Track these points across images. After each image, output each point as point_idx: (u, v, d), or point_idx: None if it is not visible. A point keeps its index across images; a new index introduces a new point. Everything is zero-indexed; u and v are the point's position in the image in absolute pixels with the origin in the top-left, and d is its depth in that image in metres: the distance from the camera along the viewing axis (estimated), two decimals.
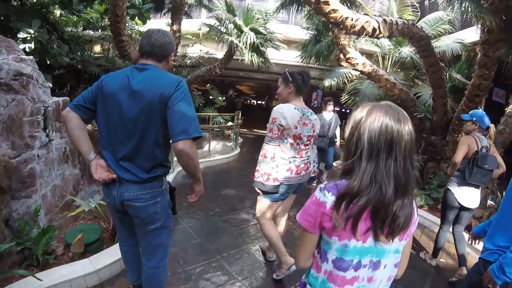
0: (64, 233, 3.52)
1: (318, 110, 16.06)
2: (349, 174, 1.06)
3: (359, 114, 1.08)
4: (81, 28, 8.54)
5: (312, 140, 2.92)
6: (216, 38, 9.63)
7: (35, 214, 3.12)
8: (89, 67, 7.91)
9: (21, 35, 5.43)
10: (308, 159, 2.93)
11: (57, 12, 7.85)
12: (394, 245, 1.09)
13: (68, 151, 3.80)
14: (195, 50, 11.79)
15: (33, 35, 5.48)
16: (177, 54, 9.51)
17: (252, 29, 9.68)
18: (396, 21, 5.27)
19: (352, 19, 4.94)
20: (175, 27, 8.75)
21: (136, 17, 7.31)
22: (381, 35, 5.16)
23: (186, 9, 9.57)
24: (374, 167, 1.00)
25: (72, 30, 8.17)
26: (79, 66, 7.71)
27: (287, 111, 2.70)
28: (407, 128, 1.03)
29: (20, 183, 3.13)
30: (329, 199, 1.05)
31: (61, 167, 3.69)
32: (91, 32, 8.89)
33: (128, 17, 8.76)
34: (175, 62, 9.49)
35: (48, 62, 6.24)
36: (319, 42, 10.03)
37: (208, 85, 13.23)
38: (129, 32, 9.15)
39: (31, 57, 3.55)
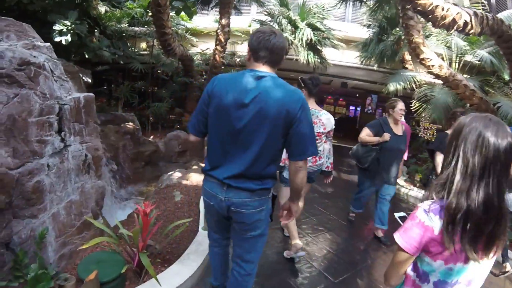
0: (80, 259, 2.85)
1: (370, 117, 14.68)
2: (444, 188, 1.08)
3: (461, 122, 1.09)
4: (126, 24, 8.20)
5: (322, 136, 3.23)
6: None
7: (40, 239, 2.44)
8: (131, 63, 7.50)
9: (57, 27, 5.04)
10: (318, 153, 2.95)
11: (102, 8, 7.58)
12: (487, 261, 1.10)
13: (90, 159, 3.12)
14: (244, 49, 11.01)
15: (69, 27, 5.07)
16: (226, 51, 8.75)
17: (308, 25, 8.66)
18: (486, 15, 4.46)
19: (442, 9, 4.20)
20: (223, 21, 8.02)
21: (182, 12, 6.70)
22: (472, 30, 4.42)
23: (235, 3, 8.86)
24: (469, 184, 1.01)
25: (116, 25, 7.82)
26: (121, 62, 7.33)
27: None
28: (505, 144, 0.99)
29: (24, 199, 2.48)
30: (437, 223, 1.06)
31: (80, 179, 3.01)
32: (136, 28, 8.51)
33: (173, 12, 8.30)
34: (224, 60, 8.77)
35: (86, 56, 5.86)
36: (382, 41, 8.89)
37: None
38: (175, 28, 8.68)
39: (48, 44, 2.93)
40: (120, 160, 6.48)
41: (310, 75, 3.21)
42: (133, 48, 8.66)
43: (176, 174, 5.56)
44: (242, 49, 10.71)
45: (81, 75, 6.01)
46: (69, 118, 2.87)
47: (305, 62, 8.56)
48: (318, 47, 8.90)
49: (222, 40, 8.06)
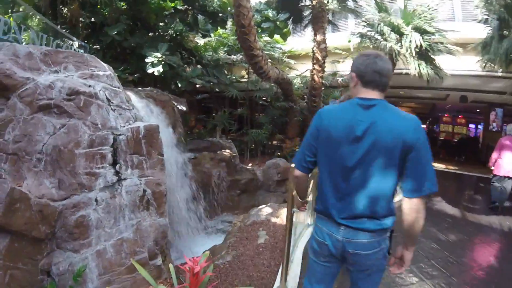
0: None
1: (496, 135, 11.44)
2: None
3: None
4: (223, 53, 8.51)
5: None
6: (371, 47, 7.69)
7: (77, 276, 2.26)
8: (226, 90, 7.60)
9: (149, 59, 5.37)
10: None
11: (201, 41, 8.07)
12: None
13: (149, 195, 2.85)
14: (346, 67, 10.08)
15: (160, 59, 5.36)
16: (325, 71, 8.02)
17: (415, 28, 7.31)
18: None
19: None
20: (318, 37, 7.43)
21: (276, 35, 6.45)
22: None
23: (329, 17, 8.15)
24: None
25: (213, 54, 8.17)
26: (216, 89, 7.51)
27: None
28: None
29: (67, 232, 2.34)
30: None
31: (136, 216, 2.75)
32: (232, 56, 8.74)
33: (265, 34, 8.17)
34: (324, 80, 8.08)
35: (179, 85, 6.12)
36: (505, 38, 6.86)
37: None
38: (270, 52, 8.52)
39: (109, 72, 2.87)
40: (214, 188, 6.36)
41: None
42: (230, 76, 8.86)
43: (266, 210, 5.01)
44: (344, 67, 9.77)
45: (175, 104, 6.28)
46: (126, 150, 2.68)
47: (416, 74, 7.09)
48: (430, 54, 7.39)
49: (320, 58, 7.41)
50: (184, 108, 6.74)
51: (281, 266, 2.88)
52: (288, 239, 2.52)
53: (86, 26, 5.68)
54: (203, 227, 5.18)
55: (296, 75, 9.88)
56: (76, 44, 4.76)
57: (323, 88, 8.10)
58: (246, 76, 9.40)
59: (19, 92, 2.35)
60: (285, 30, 6.92)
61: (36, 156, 2.34)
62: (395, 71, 7.86)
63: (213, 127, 8.30)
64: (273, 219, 4.50)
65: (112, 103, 2.74)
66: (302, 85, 9.40)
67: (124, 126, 2.74)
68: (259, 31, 7.51)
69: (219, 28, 7.41)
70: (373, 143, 1.53)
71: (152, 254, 2.84)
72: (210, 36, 7.59)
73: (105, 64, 3.09)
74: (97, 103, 2.56)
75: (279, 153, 8.41)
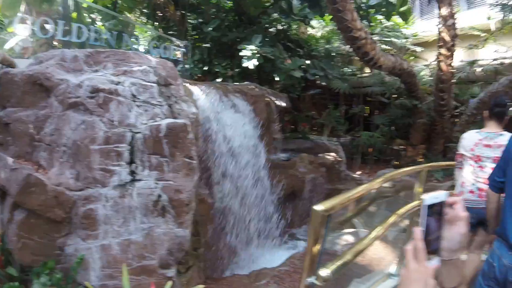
0: None
1: None
2: None
3: None
4: (339, 44, 7.59)
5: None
6: None
7: (77, 265, 2.40)
8: (332, 83, 6.77)
9: (243, 52, 5.26)
10: None
11: (319, 32, 7.42)
12: None
13: (165, 201, 2.67)
14: (487, 53, 7.49)
15: (254, 51, 5.14)
16: (453, 59, 6.00)
17: None
18: None
19: None
20: (444, 11, 5.68)
21: (391, 14, 5.20)
22: None
23: None
24: None
25: (325, 46, 7.38)
26: (323, 83, 6.78)
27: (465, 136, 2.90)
28: None
29: (78, 221, 2.49)
30: None
31: (149, 220, 2.63)
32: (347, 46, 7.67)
33: (381, 16, 6.71)
34: (455, 69, 6.14)
35: (278, 79, 5.74)
36: None
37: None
38: (392, 39, 7.04)
39: (144, 67, 2.82)
40: (304, 196, 5.69)
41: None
42: (343, 68, 7.85)
43: (347, 238, 4.23)
44: (484, 54, 7.15)
45: (272, 99, 5.92)
46: (143, 149, 2.60)
47: None
48: None
49: (447, 39, 5.59)
50: (284, 104, 6.36)
51: None
52: None
53: (196, 27, 6.08)
54: (273, 240, 4.70)
55: (424, 66, 7.90)
56: (177, 43, 5.14)
57: (453, 81, 6.16)
58: (368, 70, 8.18)
59: (54, 91, 2.58)
60: (403, 7, 5.41)
61: (62, 149, 2.53)
62: None
63: (321, 126, 7.64)
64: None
65: (138, 99, 2.69)
66: (432, 78, 7.45)
67: (146, 124, 2.64)
68: (363, 8, 6.24)
69: (324, 14, 6.60)
70: None
71: (164, 263, 2.69)
72: (308, 23, 6.87)
73: (152, 58, 3.10)
74: (118, 99, 2.56)
75: (396, 162, 7.00)
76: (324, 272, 1.22)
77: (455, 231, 0.76)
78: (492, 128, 2.83)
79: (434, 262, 0.68)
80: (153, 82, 2.85)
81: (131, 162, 2.59)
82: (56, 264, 2.44)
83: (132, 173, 2.58)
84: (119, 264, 2.50)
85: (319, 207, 1.20)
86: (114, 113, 2.53)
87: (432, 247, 0.70)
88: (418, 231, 0.66)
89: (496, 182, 1.77)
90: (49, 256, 2.45)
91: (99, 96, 2.50)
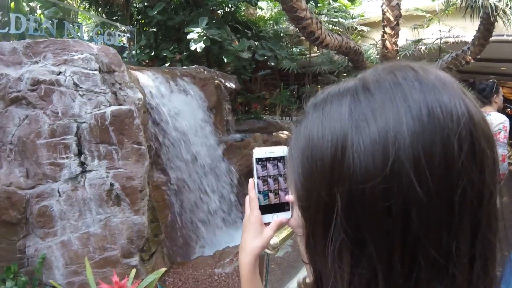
0: None
1: None
2: None
3: None
4: (288, 25, 7.74)
5: None
6: (461, 6, 5.83)
7: (40, 265, 2.40)
8: (281, 63, 6.96)
9: (190, 35, 5.21)
10: None
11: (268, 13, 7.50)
12: None
13: (118, 190, 2.69)
14: (431, 33, 8.01)
15: (201, 34, 5.11)
16: (398, 38, 6.45)
17: None
18: None
19: None
20: None
21: None
22: None
23: None
24: None
25: (273, 27, 7.49)
26: (272, 64, 6.93)
27: None
28: None
29: (34, 220, 2.45)
30: None
31: (105, 211, 2.65)
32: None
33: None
34: (400, 48, 6.61)
35: (226, 61, 5.77)
36: None
37: None
38: (339, 20, 7.36)
39: (85, 55, 2.73)
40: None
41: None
42: (291, 49, 8.06)
43: None
44: (428, 33, 7.77)
45: (222, 81, 5.95)
46: (90, 139, 2.57)
47: None
48: None
49: (391, 18, 5.97)
50: (234, 86, 6.40)
51: None
52: None
53: (141, 11, 5.83)
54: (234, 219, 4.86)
55: (371, 45, 8.41)
56: (122, 29, 4.92)
57: (398, 58, 6.64)
58: (317, 50, 8.44)
59: None
60: None
61: (8, 147, 2.45)
62: (493, 37, 5.97)
63: (273, 107, 7.84)
64: None
65: (81, 88, 2.63)
66: (378, 56, 7.96)
67: (91, 113, 2.59)
68: None
69: None
70: None
71: (127, 253, 2.74)
72: (255, 5, 6.94)
73: (94, 46, 3.01)
74: (60, 90, 2.50)
75: None
76: (272, 240, 1.36)
77: None
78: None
79: (281, 215, 0.67)
80: (95, 70, 2.77)
81: (79, 153, 2.57)
82: (19, 267, 2.43)
83: (82, 164, 2.57)
84: (82, 259, 2.50)
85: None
86: (57, 104, 2.47)
87: (281, 201, 0.68)
88: (250, 182, 0.67)
89: None
90: (11, 260, 2.43)
91: (40, 88, 2.43)
